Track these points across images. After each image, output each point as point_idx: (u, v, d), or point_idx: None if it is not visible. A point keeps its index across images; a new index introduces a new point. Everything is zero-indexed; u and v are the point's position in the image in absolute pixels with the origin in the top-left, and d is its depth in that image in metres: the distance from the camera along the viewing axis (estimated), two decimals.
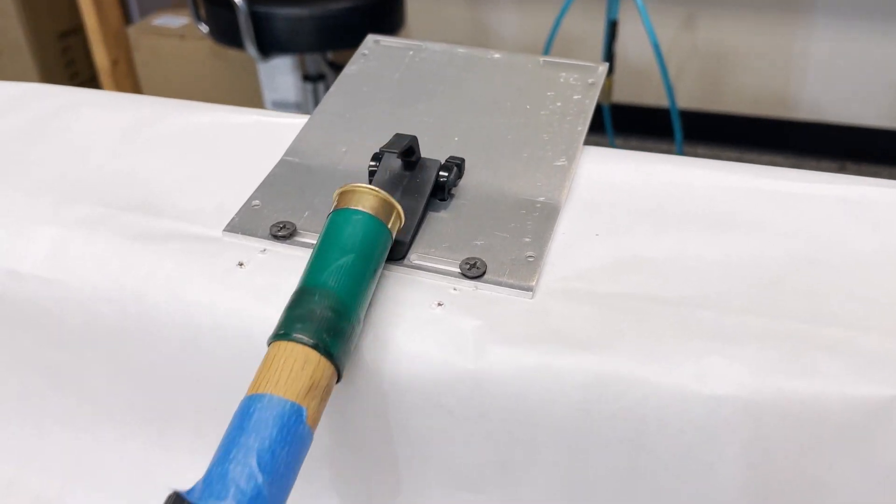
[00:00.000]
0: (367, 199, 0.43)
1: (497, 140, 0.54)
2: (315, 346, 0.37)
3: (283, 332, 0.38)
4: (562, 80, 0.58)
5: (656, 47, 1.51)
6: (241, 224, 0.49)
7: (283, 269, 0.46)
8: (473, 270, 0.45)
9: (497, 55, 0.61)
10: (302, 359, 0.37)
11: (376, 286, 0.43)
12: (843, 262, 0.44)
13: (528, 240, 0.47)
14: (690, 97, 1.98)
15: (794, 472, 0.37)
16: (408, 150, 0.47)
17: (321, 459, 0.42)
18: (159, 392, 0.47)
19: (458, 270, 0.45)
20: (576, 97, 0.56)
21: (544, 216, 0.48)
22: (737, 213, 0.48)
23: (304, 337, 0.37)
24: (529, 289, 0.44)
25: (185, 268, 0.47)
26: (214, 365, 0.45)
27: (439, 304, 0.44)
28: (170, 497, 0.33)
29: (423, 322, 0.43)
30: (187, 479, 0.47)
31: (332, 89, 0.60)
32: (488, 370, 0.41)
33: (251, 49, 1.48)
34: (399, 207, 0.44)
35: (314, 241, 0.44)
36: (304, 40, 1.48)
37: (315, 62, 1.73)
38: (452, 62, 0.61)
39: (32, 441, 0.49)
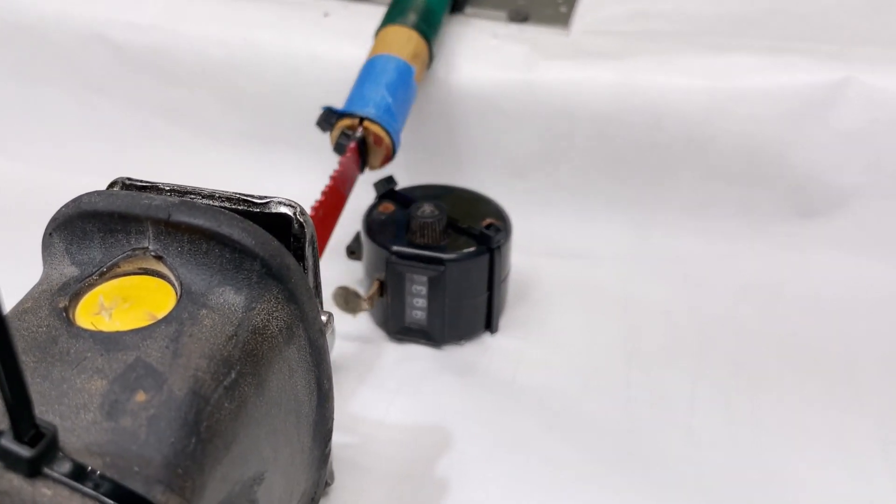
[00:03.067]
0: None
1: None
2: (415, 28, 0.49)
3: (390, 20, 0.50)
4: None
5: None
6: None
7: (361, 18, 0.56)
8: (519, 16, 0.57)
9: None
10: (406, 35, 0.49)
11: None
12: (810, 12, 0.56)
13: (560, 0, 0.58)
14: None
15: (773, 134, 0.50)
16: None
17: (406, 154, 0.54)
18: (264, 117, 0.57)
19: (507, 16, 0.57)
20: None
21: None
22: None
23: (406, 22, 0.49)
24: (565, 29, 0.56)
25: (284, 17, 0.57)
26: (310, 88, 0.56)
27: (494, 37, 0.55)
28: (322, 112, 0.44)
29: (483, 49, 0.54)
30: (292, 185, 0.58)
31: None
32: (537, 79, 0.52)
33: None
34: None
35: (384, 4, 0.55)
36: None
37: None
38: None
39: (155, 162, 0.59)
